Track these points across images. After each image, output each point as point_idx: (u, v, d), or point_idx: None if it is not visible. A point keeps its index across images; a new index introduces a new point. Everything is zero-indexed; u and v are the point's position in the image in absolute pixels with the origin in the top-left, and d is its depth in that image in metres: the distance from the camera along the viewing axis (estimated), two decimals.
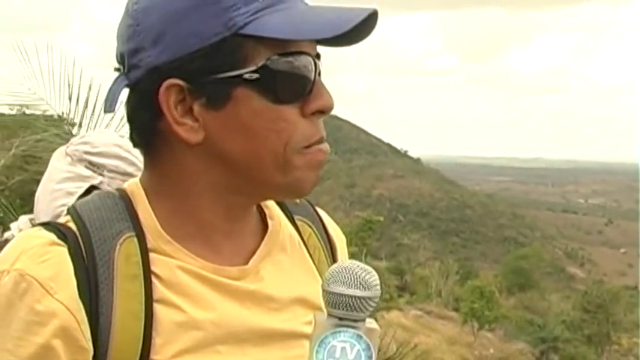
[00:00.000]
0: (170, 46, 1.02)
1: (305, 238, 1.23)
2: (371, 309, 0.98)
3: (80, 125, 6.96)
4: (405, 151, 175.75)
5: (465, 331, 32.31)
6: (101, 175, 1.71)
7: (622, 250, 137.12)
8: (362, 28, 1.02)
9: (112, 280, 1.02)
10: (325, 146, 1.08)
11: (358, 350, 0.97)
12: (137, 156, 1.73)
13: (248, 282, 1.10)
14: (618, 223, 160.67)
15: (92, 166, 1.73)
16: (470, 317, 33.23)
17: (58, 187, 1.71)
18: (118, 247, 1.04)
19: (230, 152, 1.05)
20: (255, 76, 1.01)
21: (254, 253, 1.13)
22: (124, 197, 1.10)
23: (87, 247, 1.03)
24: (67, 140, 1.86)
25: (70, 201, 1.43)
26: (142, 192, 1.10)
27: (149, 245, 1.06)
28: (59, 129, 6.90)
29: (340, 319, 0.96)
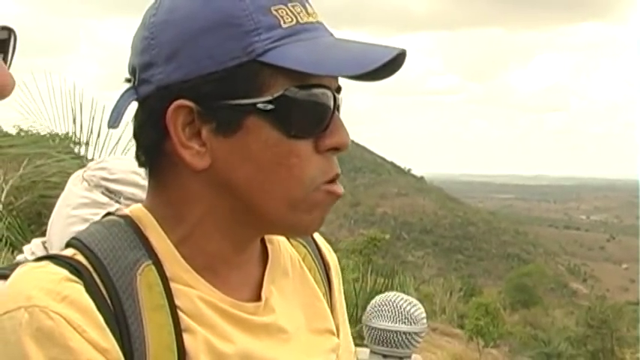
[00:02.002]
0: (184, 65, 0.97)
1: (301, 259, 1.19)
2: (417, 344, 0.91)
3: (87, 144, 7.07)
4: (409, 170, 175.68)
5: (471, 348, 32.11)
6: (118, 202, 1.68)
7: (624, 266, 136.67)
8: (387, 66, 0.96)
9: (139, 312, 0.96)
10: (339, 188, 1.03)
11: None
12: None
13: (262, 315, 1.06)
14: (620, 239, 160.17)
15: (109, 192, 1.70)
16: (475, 334, 33.08)
17: (74, 213, 1.69)
18: (138, 277, 0.98)
19: (236, 182, 0.99)
20: (270, 106, 0.96)
21: (258, 281, 1.10)
22: (131, 224, 1.03)
23: (105, 282, 0.96)
24: (79, 160, 1.85)
25: None
26: (151, 217, 1.03)
27: (167, 274, 1.00)
28: (65, 148, 7.00)
29: (384, 356, 0.91)
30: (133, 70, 1.02)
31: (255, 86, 0.96)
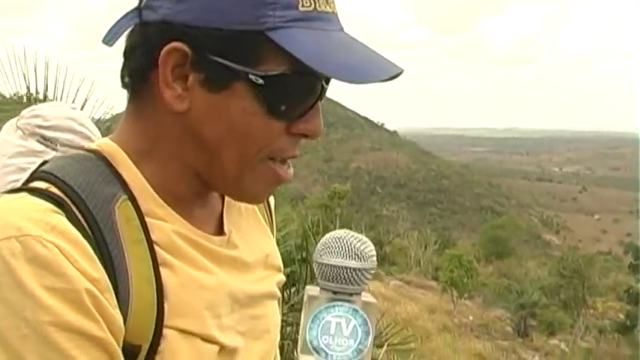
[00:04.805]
0: (193, 10, 0.96)
1: None
2: (367, 281, 0.93)
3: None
4: (382, 124, 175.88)
5: (445, 300, 32.48)
6: (54, 149, 1.65)
7: (596, 217, 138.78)
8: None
9: (120, 245, 0.96)
10: (286, 173, 1.05)
11: (354, 325, 0.92)
12: (91, 129, 1.72)
13: (227, 249, 1.10)
14: (592, 190, 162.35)
15: (45, 140, 1.67)
16: (449, 286, 33.44)
17: (10, 162, 1.65)
18: (116, 210, 0.98)
19: (205, 135, 1.00)
20: (261, 81, 0.97)
21: (219, 216, 1.14)
22: (103, 159, 1.03)
23: (85, 214, 0.95)
24: None
25: (23, 177, 1.30)
26: (122, 153, 1.04)
27: (142, 209, 1.01)
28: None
29: (334, 292, 0.91)
30: None
31: (254, 57, 0.96)
